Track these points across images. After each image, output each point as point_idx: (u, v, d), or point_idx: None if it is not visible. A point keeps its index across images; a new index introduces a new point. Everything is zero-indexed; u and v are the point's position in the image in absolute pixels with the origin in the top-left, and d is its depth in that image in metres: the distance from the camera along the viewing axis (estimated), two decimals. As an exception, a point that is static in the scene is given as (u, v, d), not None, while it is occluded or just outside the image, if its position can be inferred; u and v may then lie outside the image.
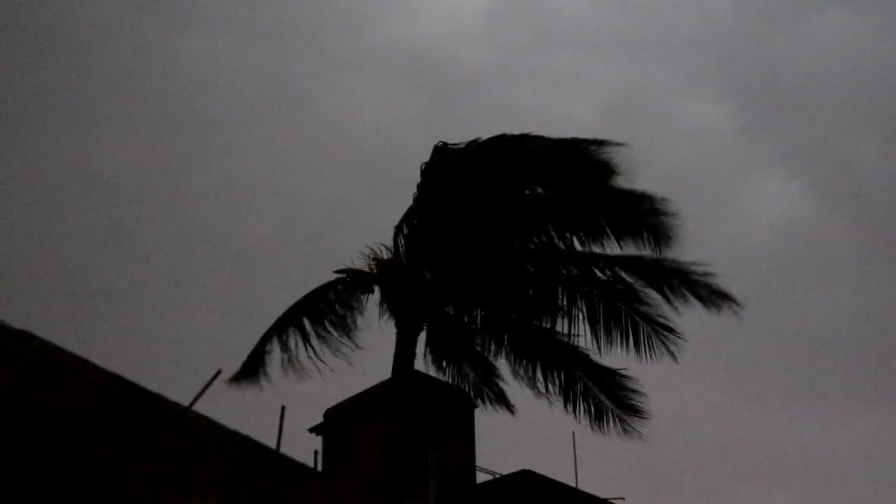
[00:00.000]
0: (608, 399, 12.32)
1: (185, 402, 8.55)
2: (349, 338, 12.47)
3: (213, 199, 37.69)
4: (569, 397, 12.45)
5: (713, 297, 11.66)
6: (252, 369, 11.87)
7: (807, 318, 39.43)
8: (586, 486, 17.24)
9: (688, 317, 11.93)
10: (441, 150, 13.69)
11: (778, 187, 43.19)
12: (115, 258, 35.16)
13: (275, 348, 11.64)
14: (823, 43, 44.39)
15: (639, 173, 12.42)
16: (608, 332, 11.99)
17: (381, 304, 12.88)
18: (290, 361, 11.96)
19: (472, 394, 13.63)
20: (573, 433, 16.90)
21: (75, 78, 36.72)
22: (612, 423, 12.32)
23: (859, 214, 42.46)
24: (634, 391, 12.23)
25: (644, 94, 44.36)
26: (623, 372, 12.14)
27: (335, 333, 12.42)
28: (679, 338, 11.72)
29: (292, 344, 11.89)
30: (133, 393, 7.10)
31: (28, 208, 33.93)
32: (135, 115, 38.29)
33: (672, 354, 11.70)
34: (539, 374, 12.67)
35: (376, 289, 12.98)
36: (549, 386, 12.62)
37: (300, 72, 42.37)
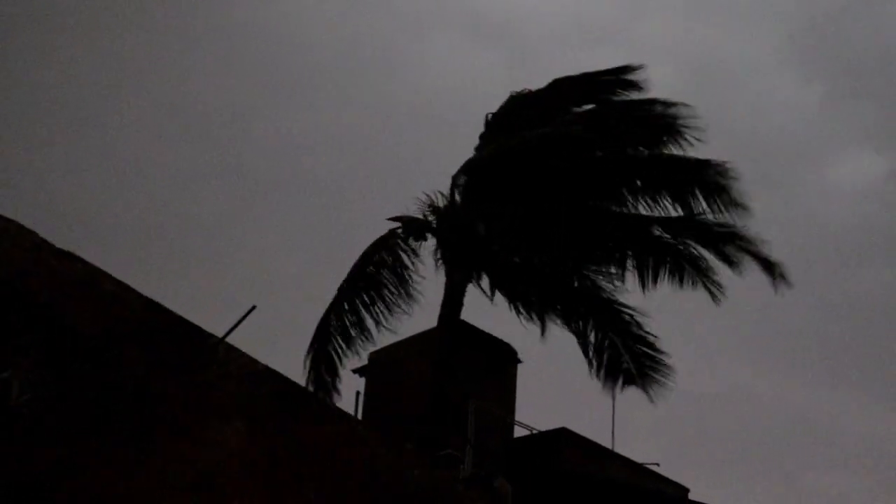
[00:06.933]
0: (634, 366, 12.45)
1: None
2: (406, 294, 12.61)
3: (299, 145, 38.31)
4: (602, 361, 12.61)
5: (761, 261, 11.94)
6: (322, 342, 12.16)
7: (883, 297, 38.54)
8: (625, 450, 17.27)
9: (754, 293, 12.61)
10: (513, 100, 13.69)
11: (859, 163, 42.07)
12: (204, 195, 36.21)
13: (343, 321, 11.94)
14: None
15: (707, 138, 12.67)
16: (655, 274, 12.27)
17: (434, 252, 12.96)
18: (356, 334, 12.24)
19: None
20: (613, 396, 16.87)
21: (180, 28, 37.68)
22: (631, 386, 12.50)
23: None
24: (661, 363, 12.40)
25: (724, 63, 43.35)
26: (653, 339, 12.32)
27: (392, 295, 12.56)
28: (717, 283, 12.14)
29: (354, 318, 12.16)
30: (170, 321, 7.27)
31: (130, 143, 35.10)
32: (232, 65, 39.27)
33: (712, 293, 12.15)
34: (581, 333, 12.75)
35: (429, 237, 13.06)
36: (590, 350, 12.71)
37: (382, 29, 42.51)
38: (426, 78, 41.57)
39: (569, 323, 12.69)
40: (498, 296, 13.24)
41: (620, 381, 12.32)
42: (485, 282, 12.96)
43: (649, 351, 12.18)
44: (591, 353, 12.35)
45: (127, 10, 35.91)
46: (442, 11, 44.31)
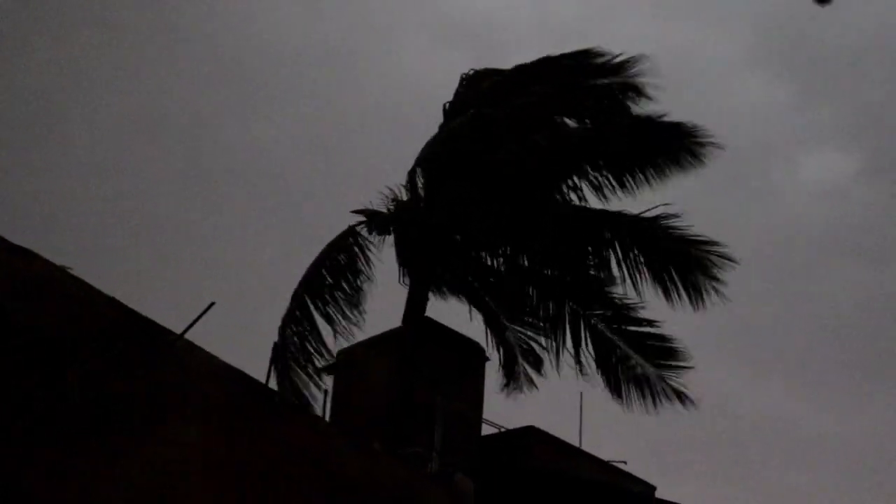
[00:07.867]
0: (646, 363, 12.19)
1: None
2: (361, 290, 12.39)
3: (267, 147, 38.23)
4: (602, 366, 12.35)
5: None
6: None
7: (848, 297, 38.76)
8: (592, 448, 17.34)
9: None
10: (469, 81, 13.44)
11: (829, 162, 42.34)
12: (175, 196, 36.13)
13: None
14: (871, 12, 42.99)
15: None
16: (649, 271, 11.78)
17: (395, 246, 12.82)
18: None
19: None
20: (580, 393, 16.93)
21: (153, 30, 37.49)
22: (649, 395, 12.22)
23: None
24: (674, 349, 12.06)
25: (695, 63, 43.52)
26: (657, 325, 12.05)
27: (351, 290, 12.33)
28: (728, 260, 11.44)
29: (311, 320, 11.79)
30: (128, 317, 7.20)
31: (99, 144, 34.91)
32: (202, 67, 39.15)
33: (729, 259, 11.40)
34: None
35: (392, 231, 12.90)
36: (584, 358, 12.50)
37: (345, 33, 42.44)
38: (394, 80, 41.54)
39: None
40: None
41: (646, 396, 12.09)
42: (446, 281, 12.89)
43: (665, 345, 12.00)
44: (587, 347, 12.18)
45: (98, 12, 35.63)
46: (409, 14, 44.26)
